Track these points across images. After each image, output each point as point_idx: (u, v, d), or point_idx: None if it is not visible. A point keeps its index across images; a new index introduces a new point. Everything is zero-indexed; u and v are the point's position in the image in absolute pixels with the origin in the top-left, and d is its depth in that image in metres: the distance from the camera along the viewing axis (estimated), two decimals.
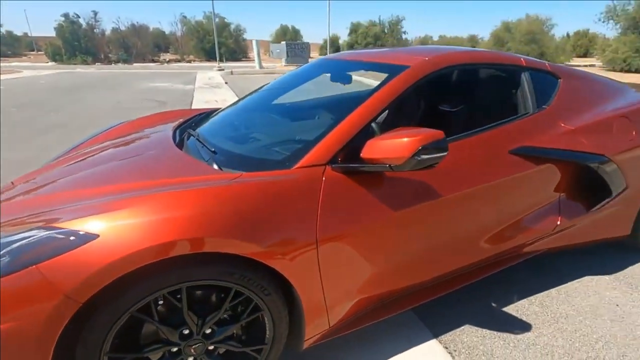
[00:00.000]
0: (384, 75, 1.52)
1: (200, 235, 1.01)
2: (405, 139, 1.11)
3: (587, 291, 1.84)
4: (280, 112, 2.06)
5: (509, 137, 1.60)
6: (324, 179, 1.22)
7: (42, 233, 0.96)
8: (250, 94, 2.30)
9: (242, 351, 1.21)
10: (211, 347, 1.17)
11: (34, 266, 0.91)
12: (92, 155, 1.68)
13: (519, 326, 1.62)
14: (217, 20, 20.73)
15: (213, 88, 11.42)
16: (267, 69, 18.49)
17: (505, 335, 1.57)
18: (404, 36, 37.75)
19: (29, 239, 0.95)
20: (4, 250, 0.94)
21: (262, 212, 1.12)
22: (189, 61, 30.95)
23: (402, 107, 1.45)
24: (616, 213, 1.87)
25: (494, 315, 1.70)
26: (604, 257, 2.09)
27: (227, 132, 1.82)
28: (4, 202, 1.30)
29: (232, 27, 35.37)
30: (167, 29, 41.79)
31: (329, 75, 2.08)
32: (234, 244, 1.05)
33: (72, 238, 0.94)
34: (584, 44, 34.57)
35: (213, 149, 1.46)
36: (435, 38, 44.84)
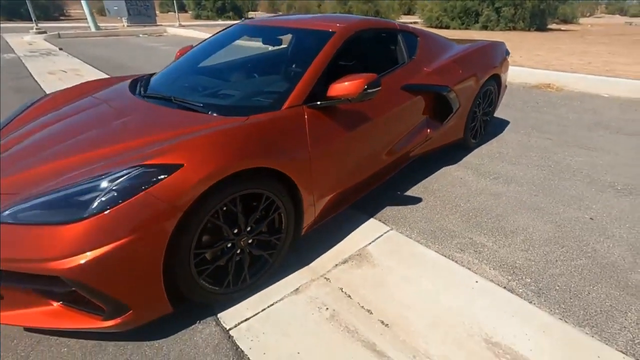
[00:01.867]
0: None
1: (249, 157, 1.47)
2: (356, 80, 1.75)
3: (445, 175, 2.94)
4: (229, 70, 2.42)
5: (398, 79, 2.42)
6: (305, 115, 1.77)
7: (139, 169, 1.27)
8: (185, 55, 2.54)
9: (269, 240, 1.74)
10: (250, 241, 1.66)
11: (144, 192, 1.24)
12: (71, 118, 1.81)
13: (415, 200, 2.57)
14: None
15: (46, 56, 9.50)
16: (107, 31, 15.80)
17: (408, 206, 2.49)
18: None
19: (128, 176, 1.25)
20: (108, 188, 1.23)
21: (275, 139, 1.63)
22: None
23: (331, 62, 2.04)
24: (455, 124, 2.97)
25: (400, 197, 2.61)
26: (450, 153, 3.25)
27: (195, 91, 2.13)
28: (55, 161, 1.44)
29: None
30: None
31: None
32: (266, 161, 1.55)
33: (165, 168, 1.28)
34: (407, 3, 40.27)
35: (201, 104, 1.81)
36: None
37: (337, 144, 1.93)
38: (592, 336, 1.53)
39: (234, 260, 1.61)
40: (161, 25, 18.35)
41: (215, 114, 1.73)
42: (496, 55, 3.31)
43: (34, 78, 6.68)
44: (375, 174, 2.37)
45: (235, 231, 1.58)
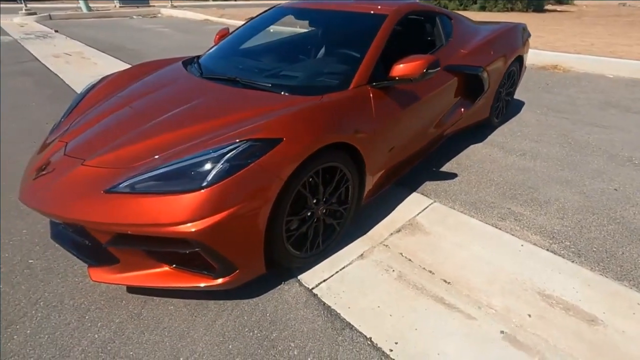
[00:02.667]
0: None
1: (330, 132, 1.61)
2: (418, 61, 1.88)
3: (474, 152, 3.12)
4: (280, 52, 2.52)
5: (441, 59, 2.53)
6: (370, 93, 1.91)
7: (247, 143, 1.40)
8: (230, 37, 2.63)
9: (338, 209, 1.89)
10: (324, 210, 1.82)
11: (253, 163, 1.37)
12: (140, 102, 1.93)
13: (451, 176, 2.74)
14: None
15: (43, 38, 9.30)
16: (99, 12, 15.39)
17: (446, 181, 2.67)
18: None
19: (237, 149, 1.38)
20: (222, 161, 1.36)
21: (348, 116, 1.76)
22: None
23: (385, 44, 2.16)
24: (483, 104, 3.12)
25: (437, 173, 2.78)
26: (476, 132, 3.42)
27: (255, 72, 2.22)
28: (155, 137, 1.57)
29: None
30: None
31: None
32: (343, 136, 1.69)
33: (269, 142, 1.42)
34: None
35: (269, 84, 1.93)
36: None
37: (394, 121, 2.07)
38: (630, 288, 1.74)
39: (312, 228, 1.77)
40: (154, 6, 17.90)
41: (287, 94, 1.85)
42: (520, 37, 3.44)
43: (40, 61, 6.61)
44: (420, 150, 2.52)
45: (314, 201, 1.73)
